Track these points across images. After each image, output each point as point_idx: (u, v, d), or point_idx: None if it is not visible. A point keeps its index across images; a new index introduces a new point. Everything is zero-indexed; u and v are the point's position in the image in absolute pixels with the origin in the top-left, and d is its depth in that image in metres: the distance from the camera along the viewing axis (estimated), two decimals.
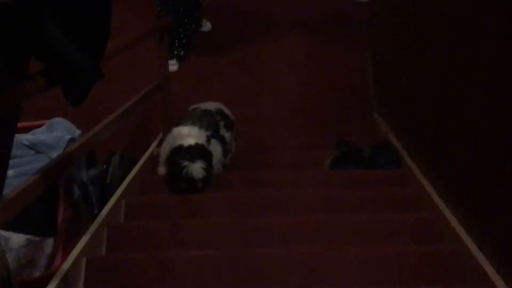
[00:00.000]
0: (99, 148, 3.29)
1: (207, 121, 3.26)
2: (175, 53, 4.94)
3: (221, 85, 4.90)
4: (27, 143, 2.57)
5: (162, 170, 3.25)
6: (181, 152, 3.00)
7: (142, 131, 3.86)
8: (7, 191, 1.64)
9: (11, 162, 1.67)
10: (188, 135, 3.10)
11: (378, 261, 2.30)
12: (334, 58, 5.16)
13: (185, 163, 2.95)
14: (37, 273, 2.45)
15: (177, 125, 3.22)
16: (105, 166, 3.34)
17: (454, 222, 2.41)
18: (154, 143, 3.73)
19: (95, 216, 2.68)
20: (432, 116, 2.84)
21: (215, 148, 3.21)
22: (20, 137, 2.57)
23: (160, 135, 3.77)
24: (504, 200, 1.99)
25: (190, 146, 3.02)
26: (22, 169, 2.44)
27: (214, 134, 3.26)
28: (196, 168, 2.95)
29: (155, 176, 3.38)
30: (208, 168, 3.01)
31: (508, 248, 1.97)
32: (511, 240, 1.95)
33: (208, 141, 3.15)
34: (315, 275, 2.27)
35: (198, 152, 3.01)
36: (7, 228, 2.36)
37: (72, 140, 2.64)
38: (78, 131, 2.74)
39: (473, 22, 2.30)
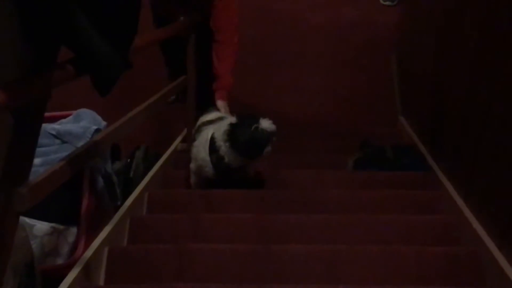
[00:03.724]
0: (124, 143, 3.33)
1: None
2: None
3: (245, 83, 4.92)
4: (53, 132, 2.61)
5: (194, 180, 3.13)
6: (238, 124, 2.82)
7: (167, 127, 3.89)
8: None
9: (37, 150, 1.70)
10: (219, 118, 3.01)
11: (398, 260, 2.30)
12: (359, 62, 5.16)
13: (254, 125, 2.77)
14: (59, 261, 2.48)
15: (200, 129, 3.09)
16: (129, 160, 3.38)
17: (475, 223, 2.40)
18: (179, 139, 3.75)
19: (118, 207, 2.71)
20: (456, 120, 2.83)
21: None
22: (46, 127, 2.60)
23: (185, 131, 3.79)
24: None
25: (240, 116, 2.87)
26: (48, 158, 2.47)
27: None
28: (266, 124, 2.79)
29: (178, 171, 3.41)
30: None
31: None
32: None
33: None
34: (335, 272, 2.28)
35: (251, 117, 2.84)
36: (32, 215, 2.40)
37: (98, 130, 2.67)
38: (104, 122, 2.77)
39: (500, 24, 2.29)
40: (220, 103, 3.47)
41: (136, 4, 1.77)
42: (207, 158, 2.89)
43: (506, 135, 2.17)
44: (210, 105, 3.41)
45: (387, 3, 5.54)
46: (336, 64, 5.18)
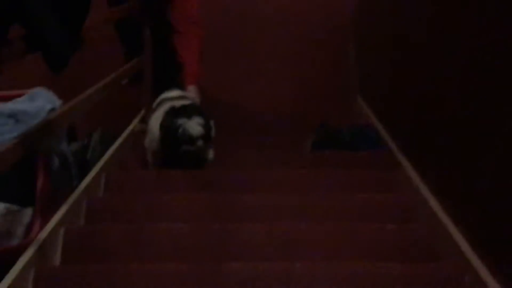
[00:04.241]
0: (80, 125, 3.30)
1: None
2: None
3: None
4: (7, 112, 2.57)
5: (150, 157, 3.12)
6: (174, 112, 2.88)
7: (124, 108, 3.86)
8: None
9: None
10: (180, 97, 3.05)
11: (355, 237, 2.33)
12: (318, 43, 5.17)
13: (180, 121, 2.82)
14: (14, 243, 2.46)
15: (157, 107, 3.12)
16: (86, 141, 3.35)
17: (432, 201, 2.44)
18: (136, 120, 3.73)
19: (75, 188, 2.69)
20: (413, 98, 2.87)
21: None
22: (0, 106, 2.57)
23: (142, 112, 3.77)
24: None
25: (184, 106, 2.91)
26: (2, 138, 2.43)
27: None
28: (193, 125, 2.82)
29: (135, 152, 3.39)
30: (207, 125, 2.88)
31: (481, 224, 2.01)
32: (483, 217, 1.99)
33: None
34: (292, 250, 2.30)
35: (194, 109, 2.89)
36: None
37: (53, 110, 2.64)
38: (59, 102, 2.74)
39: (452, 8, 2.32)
40: (191, 88, 3.52)
41: None
42: (157, 132, 2.93)
43: (461, 111, 2.20)
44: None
45: None
46: (294, 47, 5.18)
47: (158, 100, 3.20)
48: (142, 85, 3.71)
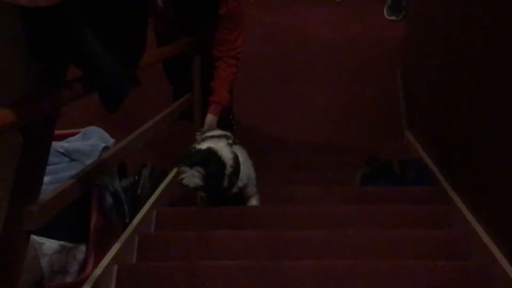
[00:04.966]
0: (130, 161, 3.34)
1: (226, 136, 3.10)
2: None
3: (252, 98, 4.94)
4: (62, 150, 2.62)
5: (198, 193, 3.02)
6: (186, 157, 2.78)
7: (174, 144, 3.89)
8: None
9: (46, 168, 1.71)
10: (208, 142, 2.90)
11: (408, 275, 2.30)
12: (365, 76, 5.17)
13: (183, 168, 2.73)
14: (69, 279, 2.48)
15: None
16: (136, 177, 3.38)
17: (485, 238, 2.39)
18: None
19: (127, 224, 2.71)
20: (463, 132, 2.84)
21: (241, 152, 2.98)
22: (55, 145, 2.61)
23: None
24: None
25: (197, 151, 2.79)
26: (58, 176, 2.48)
27: (235, 142, 3.06)
28: (189, 176, 2.70)
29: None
30: (208, 175, 2.70)
31: None
32: None
33: (230, 145, 2.92)
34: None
35: (202, 157, 2.74)
36: (41, 233, 2.40)
37: (106, 148, 2.68)
38: (112, 140, 2.78)
39: (502, 43, 2.30)
40: (209, 117, 3.48)
41: (143, 22, 1.79)
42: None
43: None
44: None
45: (392, 18, 5.55)
46: (342, 80, 5.19)
47: (203, 136, 3.21)
48: (192, 121, 3.73)
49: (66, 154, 2.62)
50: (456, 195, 2.87)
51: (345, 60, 5.31)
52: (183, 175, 2.71)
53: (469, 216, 2.62)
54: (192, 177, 2.69)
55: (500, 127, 2.32)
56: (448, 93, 3.21)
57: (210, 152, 2.77)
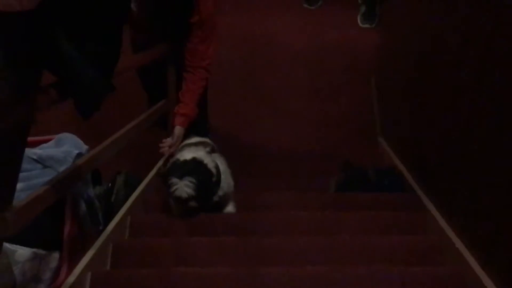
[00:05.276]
0: (105, 168, 3.31)
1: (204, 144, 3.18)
2: None
3: (225, 107, 4.93)
4: (35, 157, 2.59)
5: (171, 202, 2.99)
6: (173, 168, 2.83)
7: (148, 151, 3.88)
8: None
9: (19, 175, 1.69)
10: (188, 151, 2.93)
11: (382, 281, 2.31)
12: (339, 84, 5.19)
13: (173, 180, 2.75)
14: (42, 287, 2.46)
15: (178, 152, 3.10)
16: (110, 184, 3.36)
17: (459, 244, 2.42)
18: (160, 162, 3.74)
19: (101, 232, 2.69)
20: (436, 140, 2.86)
21: (220, 161, 3.03)
22: (28, 151, 2.58)
23: (166, 155, 3.77)
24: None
25: (183, 162, 2.82)
26: (30, 183, 2.45)
27: (213, 149, 3.14)
28: (182, 186, 2.73)
29: (160, 195, 3.40)
30: (200, 184, 2.74)
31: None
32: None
33: (209, 153, 2.97)
34: None
35: (192, 167, 2.78)
36: (13, 241, 2.37)
37: (79, 155, 2.65)
38: (85, 147, 2.76)
39: (478, 46, 2.33)
40: (179, 129, 3.50)
41: (119, 28, 1.79)
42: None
43: (486, 153, 2.20)
44: None
45: (366, 25, 5.59)
46: (316, 87, 5.21)
47: (181, 145, 3.21)
48: (167, 128, 3.73)
49: (39, 160, 2.59)
50: (430, 202, 2.90)
51: (319, 67, 5.34)
52: (175, 187, 2.73)
53: (443, 223, 2.64)
54: (184, 187, 2.72)
55: (473, 136, 2.35)
56: (420, 100, 3.24)
57: (197, 161, 2.81)
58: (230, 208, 3.10)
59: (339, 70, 5.26)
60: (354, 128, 4.87)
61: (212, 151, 3.06)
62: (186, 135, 3.48)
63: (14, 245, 2.36)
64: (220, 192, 2.93)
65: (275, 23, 5.69)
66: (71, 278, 2.25)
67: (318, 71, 5.30)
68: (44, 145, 2.79)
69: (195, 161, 2.81)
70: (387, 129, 4.38)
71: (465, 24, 2.49)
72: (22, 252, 2.38)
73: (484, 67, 2.25)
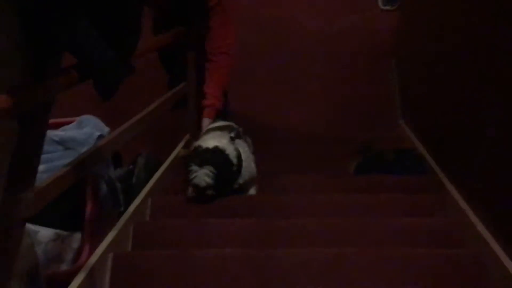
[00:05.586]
0: (126, 150, 3.34)
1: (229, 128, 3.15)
2: None
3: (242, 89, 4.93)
4: (57, 139, 2.61)
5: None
6: (194, 155, 2.83)
7: (169, 133, 3.90)
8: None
9: (41, 157, 1.71)
10: (212, 138, 2.94)
11: (402, 263, 2.31)
12: (359, 66, 5.16)
13: (193, 167, 2.77)
14: (64, 268, 2.49)
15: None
16: (131, 166, 3.39)
17: (479, 226, 2.41)
18: (181, 145, 3.76)
19: (121, 213, 2.72)
20: (457, 122, 2.85)
21: (243, 148, 3.01)
22: (50, 133, 2.61)
23: (187, 137, 3.79)
24: None
25: (205, 149, 2.81)
26: (52, 165, 2.47)
27: (238, 134, 3.11)
28: (201, 175, 2.75)
29: (180, 177, 3.41)
30: (219, 174, 2.76)
31: None
32: None
33: (232, 140, 2.96)
34: (338, 276, 2.29)
35: (213, 155, 2.79)
36: (36, 222, 2.40)
37: (101, 137, 2.68)
38: (107, 128, 2.78)
39: (498, 29, 2.30)
40: (207, 121, 3.48)
41: (139, 9, 1.79)
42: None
43: (506, 136, 2.18)
44: None
45: (386, 7, 5.54)
46: (337, 70, 5.17)
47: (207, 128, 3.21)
48: (187, 110, 3.74)
49: (60, 142, 2.62)
50: (450, 184, 2.88)
51: (339, 51, 5.29)
52: (194, 175, 2.75)
53: (463, 205, 2.63)
54: (203, 176, 2.73)
55: (491, 117, 2.33)
56: (441, 83, 3.21)
57: (218, 150, 2.80)
58: (251, 191, 3.11)
59: (359, 53, 5.21)
60: (375, 111, 4.85)
61: (237, 135, 3.05)
62: None
63: (37, 226, 2.40)
64: (241, 180, 2.94)
65: (293, 6, 5.64)
66: (93, 259, 2.27)
67: (337, 54, 5.25)
68: (66, 127, 2.82)
69: (216, 150, 2.81)
70: (408, 112, 4.35)
71: (493, 5, 2.46)
72: (44, 233, 2.42)
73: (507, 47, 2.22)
